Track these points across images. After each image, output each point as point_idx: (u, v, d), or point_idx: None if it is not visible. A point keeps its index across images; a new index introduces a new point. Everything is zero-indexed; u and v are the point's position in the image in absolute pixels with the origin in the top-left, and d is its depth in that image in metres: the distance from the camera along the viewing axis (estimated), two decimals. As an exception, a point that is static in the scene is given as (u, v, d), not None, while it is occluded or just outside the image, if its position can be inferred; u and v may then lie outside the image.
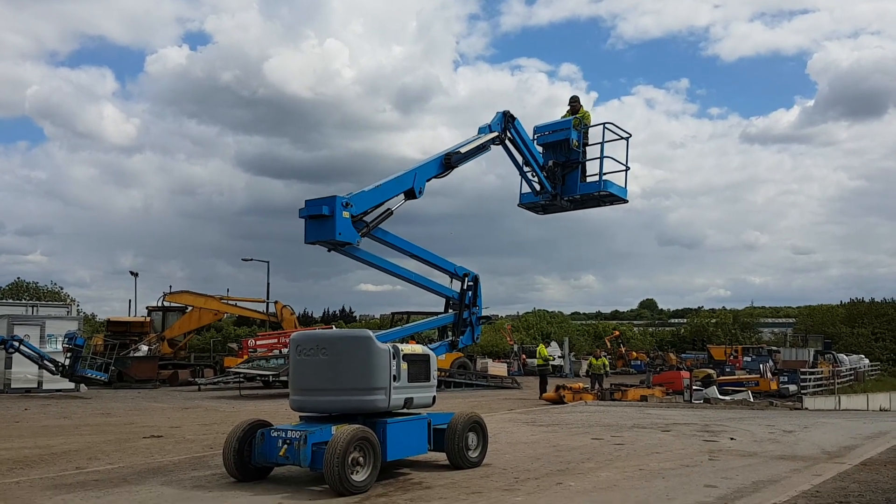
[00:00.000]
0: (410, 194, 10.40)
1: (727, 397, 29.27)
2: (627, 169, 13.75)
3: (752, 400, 30.64)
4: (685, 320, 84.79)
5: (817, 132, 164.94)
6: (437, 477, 9.84)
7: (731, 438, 13.82)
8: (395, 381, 9.64)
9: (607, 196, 13.31)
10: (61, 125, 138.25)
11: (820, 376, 38.37)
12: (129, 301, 48.24)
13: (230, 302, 33.68)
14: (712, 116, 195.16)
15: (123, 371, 31.11)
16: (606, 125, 13.34)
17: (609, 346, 53.16)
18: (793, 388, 35.54)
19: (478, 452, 10.73)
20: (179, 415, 19.56)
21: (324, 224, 9.42)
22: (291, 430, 9.27)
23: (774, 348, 50.14)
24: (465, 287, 11.74)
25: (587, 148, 13.34)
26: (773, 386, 33.76)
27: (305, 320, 70.30)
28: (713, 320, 70.32)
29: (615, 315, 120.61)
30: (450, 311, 11.75)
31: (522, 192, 13.56)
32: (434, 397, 10.47)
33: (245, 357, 30.51)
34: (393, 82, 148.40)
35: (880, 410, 37.37)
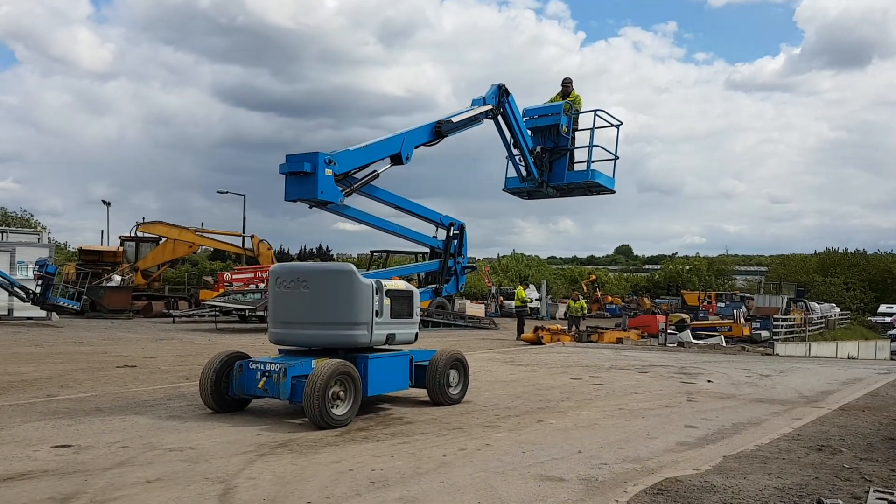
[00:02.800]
0: (397, 159, 10.13)
1: (700, 341, 29.61)
2: (616, 158, 13.50)
3: (724, 344, 31.06)
4: (660, 266, 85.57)
5: (801, 81, 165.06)
6: (417, 413, 9.74)
7: (709, 381, 13.88)
8: (377, 316, 9.45)
9: (594, 186, 13.11)
10: (34, 48, 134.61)
11: (792, 323, 38.91)
12: (102, 231, 47.65)
13: (205, 234, 33.20)
14: (698, 62, 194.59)
15: (96, 301, 30.72)
16: (598, 112, 13.04)
17: (585, 290, 53.44)
18: (765, 334, 36.05)
19: (459, 389, 10.64)
20: (154, 346, 19.34)
21: (305, 181, 9.10)
22: (271, 363, 9.08)
23: (748, 295, 50.74)
24: (450, 235, 11.54)
25: (576, 134, 13.12)
26: (746, 331, 34.21)
27: (281, 257, 69.87)
28: (687, 267, 71.03)
29: (591, 260, 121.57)
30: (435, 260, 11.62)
31: (508, 175, 13.33)
32: (416, 334, 10.31)
33: (221, 291, 30.21)
34: (377, 15, 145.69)
35: (848, 358, 38.11)
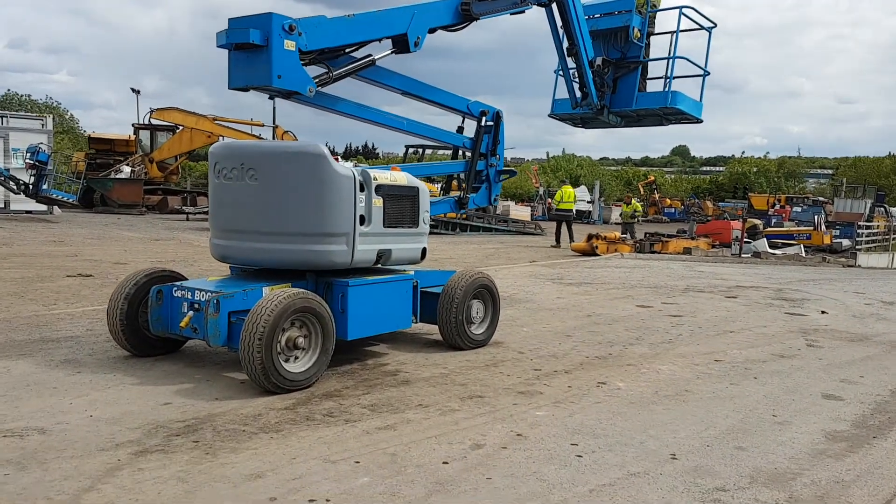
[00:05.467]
0: (402, 44, 7.03)
1: (778, 251, 26.09)
2: (707, 74, 9.97)
3: (804, 254, 27.49)
4: (720, 168, 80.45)
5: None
6: (422, 362, 6.74)
7: (822, 312, 10.55)
8: (362, 224, 6.34)
9: (675, 113, 9.75)
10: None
11: (875, 231, 34.90)
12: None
13: (224, 123, 30.12)
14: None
15: (105, 194, 28.15)
16: (684, 9, 9.56)
17: (642, 192, 49.37)
18: (846, 242, 32.30)
19: (484, 328, 7.56)
20: (142, 247, 16.59)
21: (255, 60, 6.13)
22: (201, 290, 6.07)
23: (822, 199, 46.40)
24: (481, 127, 8.30)
25: (650, 40, 9.85)
26: (827, 240, 30.46)
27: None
28: (755, 168, 65.83)
29: (645, 161, 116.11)
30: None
31: (556, 97, 10.15)
32: (424, 250, 7.17)
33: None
34: None
35: (931, 271, 34.23)
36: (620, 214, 29.44)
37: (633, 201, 28.45)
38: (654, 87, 9.92)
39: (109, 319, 6.43)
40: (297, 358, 5.80)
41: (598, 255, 18.71)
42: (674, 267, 16.91)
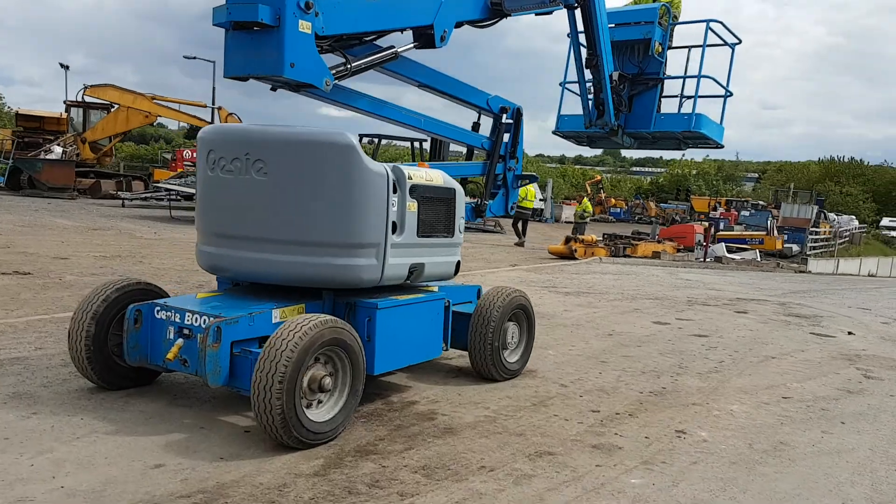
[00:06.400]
0: (427, 38, 5.94)
1: (737, 256, 25.82)
2: (729, 95, 9.07)
3: (759, 259, 27.30)
4: (649, 170, 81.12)
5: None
6: (455, 399, 5.62)
7: (850, 333, 9.82)
8: (394, 232, 5.16)
9: (696, 138, 8.71)
10: None
11: (822, 238, 35.22)
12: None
13: (164, 103, 28.13)
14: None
15: (34, 176, 25.92)
16: (711, 24, 8.59)
17: (589, 192, 48.95)
18: (795, 248, 32.42)
19: (518, 355, 6.47)
20: (81, 238, 14.91)
21: (261, 43, 4.91)
22: (192, 312, 4.81)
23: (762, 203, 46.84)
24: (501, 125, 7.20)
25: (668, 54, 8.91)
26: (779, 245, 30.42)
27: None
28: (694, 171, 66.29)
29: (578, 160, 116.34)
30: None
31: (562, 112, 9.05)
32: (458, 263, 6.05)
33: (179, 170, 25.59)
34: None
35: (868, 276, 34.69)
36: (574, 214, 28.75)
37: (585, 201, 27.77)
38: (667, 106, 8.99)
39: (72, 343, 5.10)
40: (320, 402, 4.61)
41: (576, 258, 17.82)
42: (657, 273, 16.12)
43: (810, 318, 10.90)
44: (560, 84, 9.06)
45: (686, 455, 4.74)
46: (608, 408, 5.65)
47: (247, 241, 5.14)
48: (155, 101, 28.10)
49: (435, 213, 5.58)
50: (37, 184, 25.95)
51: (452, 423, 5.09)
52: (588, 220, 26.40)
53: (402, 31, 5.89)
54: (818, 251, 33.89)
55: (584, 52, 7.92)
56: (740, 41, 8.97)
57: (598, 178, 58.84)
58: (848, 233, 41.50)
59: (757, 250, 27.69)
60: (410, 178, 5.31)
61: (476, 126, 7.45)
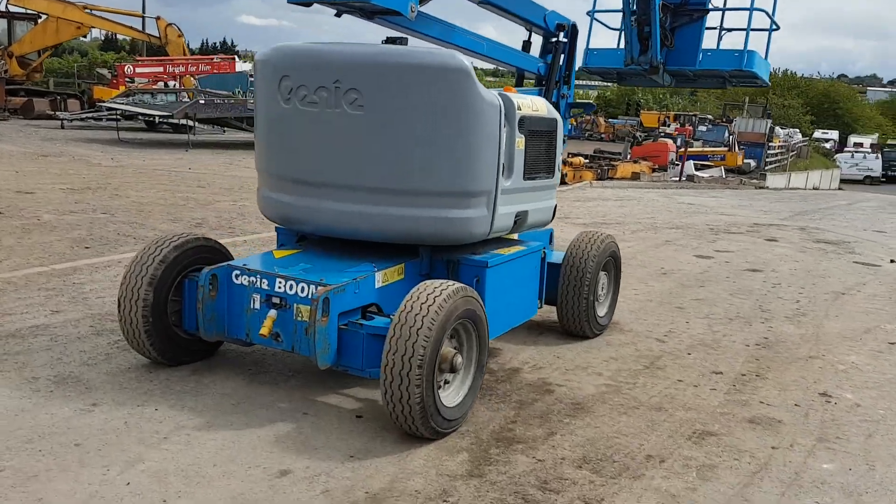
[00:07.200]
0: None
1: (705, 174, 25.67)
2: (775, 29, 8.06)
3: (725, 176, 27.29)
4: (593, 83, 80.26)
5: None
6: (554, 363, 5.05)
7: (892, 261, 9.55)
8: (503, 175, 4.38)
9: (745, 76, 7.71)
10: None
11: (777, 152, 35.47)
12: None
13: (97, 13, 25.86)
14: None
15: (-43, 95, 23.71)
16: None
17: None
18: (752, 163, 32.53)
19: (605, 308, 5.85)
20: (35, 167, 13.50)
21: None
22: (287, 278, 3.99)
23: (710, 117, 46.77)
24: (558, 45, 6.30)
25: None
26: (740, 161, 30.42)
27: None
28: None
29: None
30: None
31: (590, 46, 7.86)
32: (555, 207, 5.33)
33: (122, 89, 23.74)
34: None
35: (813, 189, 35.36)
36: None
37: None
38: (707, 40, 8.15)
39: (124, 314, 4.24)
40: (447, 384, 3.90)
41: (566, 183, 17.19)
42: (656, 198, 15.61)
43: (839, 244, 10.63)
44: (588, 13, 8.15)
45: (853, 427, 4.24)
46: (727, 367, 5.12)
47: (333, 190, 4.28)
48: (87, 10, 25.84)
49: (538, 150, 4.81)
50: (-38, 104, 23.78)
51: (574, 395, 4.46)
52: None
53: None
54: (773, 166, 34.12)
55: None
56: None
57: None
58: (796, 147, 41.90)
59: (722, 167, 27.59)
60: (519, 108, 4.50)
61: (527, 46, 6.61)
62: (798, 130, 48.52)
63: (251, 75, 40.60)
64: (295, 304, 3.94)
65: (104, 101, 22.50)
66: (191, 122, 19.76)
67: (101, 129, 22.71)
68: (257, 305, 4.07)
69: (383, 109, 4.06)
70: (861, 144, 56.90)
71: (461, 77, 4.05)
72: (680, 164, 21.49)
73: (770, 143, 34.72)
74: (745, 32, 8.23)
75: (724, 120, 40.91)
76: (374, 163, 4.14)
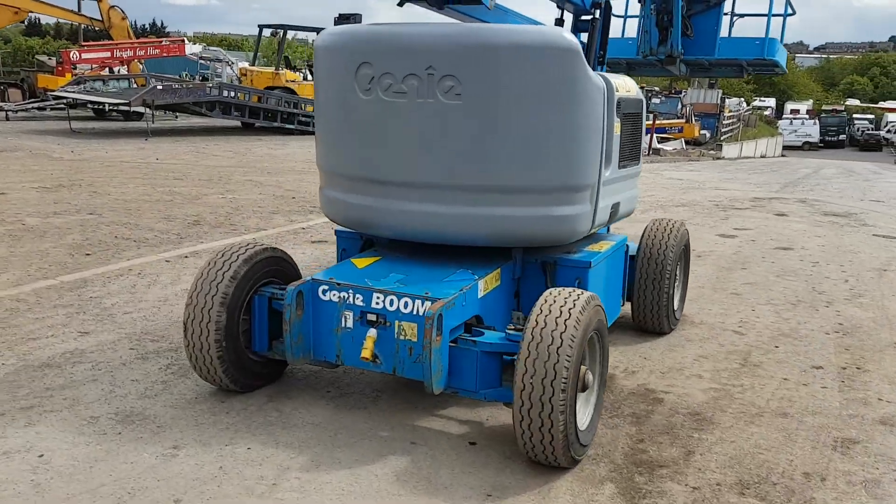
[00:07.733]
0: None
1: (668, 147, 25.71)
2: (792, 14, 7.74)
3: (685, 149, 27.38)
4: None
5: None
6: (645, 366, 4.69)
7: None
8: (604, 165, 3.98)
9: (764, 65, 7.54)
10: None
11: (730, 122, 35.81)
12: None
13: (37, -3, 24.46)
14: None
15: None
16: None
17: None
18: (707, 134, 32.79)
19: (678, 299, 5.50)
20: (-8, 163, 12.58)
21: None
22: (385, 292, 3.52)
23: (657, 89, 47.00)
24: (595, 22, 5.86)
25: None
26: (696, 132, 30.59)
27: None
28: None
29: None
30: None
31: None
32: (638, 196, 4.97)
33: (69, 77, 22.51)
34: None
35: (761, 157, 35.85)
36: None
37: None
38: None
39: (193, 339, 3.74)
40: (579, 407, 3.50)
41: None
42: (644, 174, 15.44)
43: (848, 216, 10.55)
44: None
45: None
46: (823, 360, 4.84)
47: (418, 190, 3.83)
48: (23, -7, 24.35)
49: (630, 135, 4.44)
50: None
51: (687, 403, 4.12)
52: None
53: None
54: (726, 136, 34.46)
55: None
56: None
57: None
58: (745, 116, 42.48)
59: (682, 139, 27.66)
60: (617, 89, 4.09)
61: (559, 23, 6.18)
62: (742, 99, 49.13)
63: (202, 58, 39.50)
64: (396, 322, 3.50)
65: (52, 90, 21.28)
66: (148, 110, 18.80)
67: (48, 120, 21.49)
68: (350, 324, 3.61)
69: (485, 97, 3.61)
70: (797, 111, 58.04)
71: (572, 57, 3.62)
72: (648, 136, 21.37)
73: (723, 114, 35.00)
74: (754, 18, 7.95)
75: (672, 92, 41.11)
76: (470, 158, 3.69)
